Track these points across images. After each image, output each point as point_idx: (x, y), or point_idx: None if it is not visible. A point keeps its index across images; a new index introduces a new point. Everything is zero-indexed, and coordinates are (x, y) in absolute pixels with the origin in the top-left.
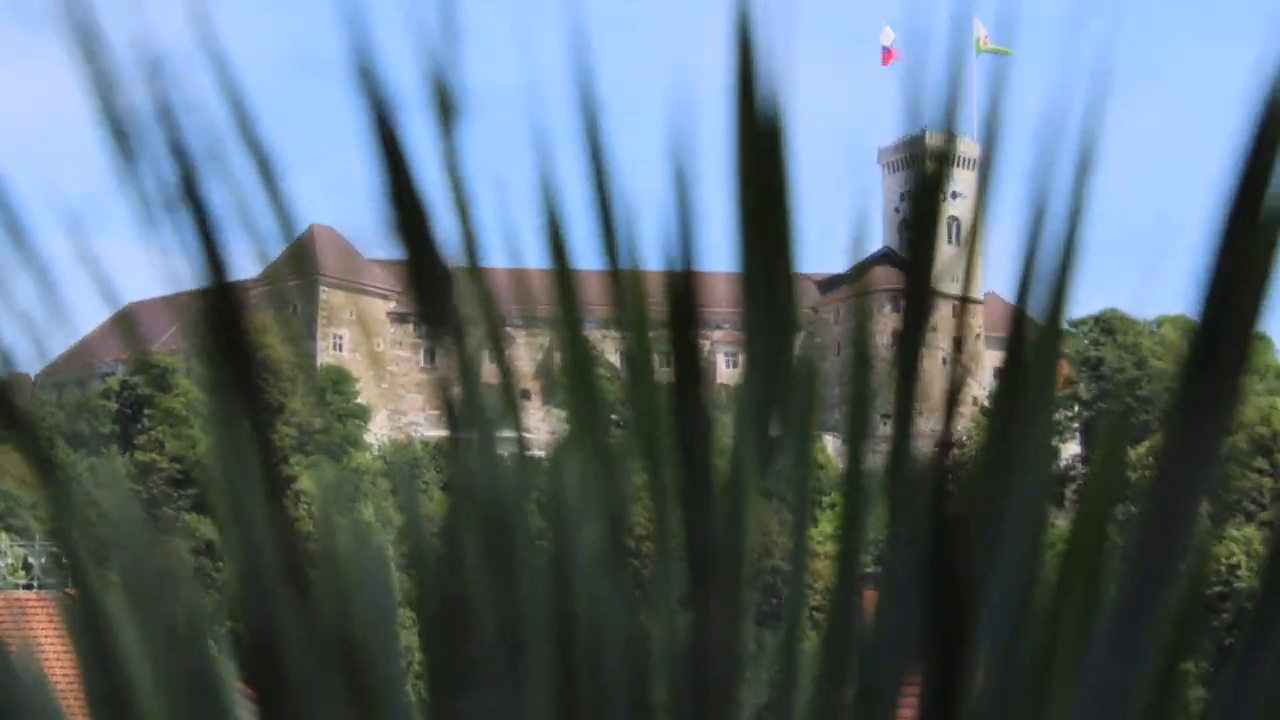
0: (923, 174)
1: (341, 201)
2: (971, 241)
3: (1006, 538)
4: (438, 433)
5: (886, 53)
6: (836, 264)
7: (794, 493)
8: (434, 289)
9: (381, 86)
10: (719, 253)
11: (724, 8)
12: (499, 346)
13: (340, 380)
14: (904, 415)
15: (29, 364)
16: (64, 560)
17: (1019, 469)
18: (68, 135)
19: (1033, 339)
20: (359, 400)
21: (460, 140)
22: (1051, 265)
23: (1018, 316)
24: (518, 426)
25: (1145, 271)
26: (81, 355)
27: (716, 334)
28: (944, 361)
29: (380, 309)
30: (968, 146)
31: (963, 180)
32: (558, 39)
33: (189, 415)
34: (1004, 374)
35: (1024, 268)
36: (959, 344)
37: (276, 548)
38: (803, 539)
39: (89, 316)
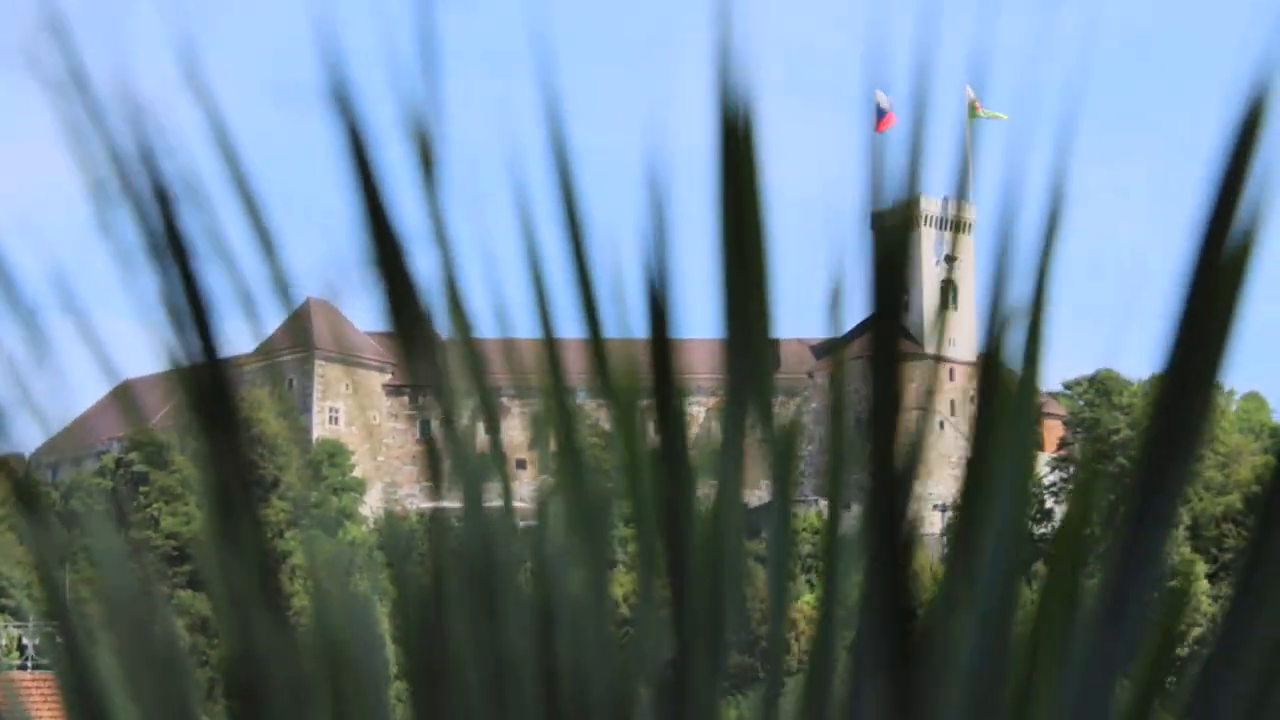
0: (886, 236)
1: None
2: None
3: (979, 588)
4: (430, 503)
5: (882, 118)
6: (835, 328)
7: (775, 555)
8: (411, 322)
9: (359, 121)
10: (700, 318)
11: (703, 70)
12: (491, 414)
13: (336, 453)
14: (879, 477)
15: (25, 442)
16: (59, 638)
17: (991, 519)
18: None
19: (1009, 391)
20: (355, 473)
21: (441, 188)
22: (1023, 316)
23: (987, 367)
24: (508, 491)
25: (1137, 330)
26: (77, 433)
27: (704, 400)
28: (941, 425)
29: (376, 381)
30: (965, 211)
31: (961, 245)
32: (533, 107)
33: (184, 492)
34: (976, 428)
35: (991, 320)
36: (928, 401)
37: (270, 624)
38: (782, 600)
39: (84, 394)
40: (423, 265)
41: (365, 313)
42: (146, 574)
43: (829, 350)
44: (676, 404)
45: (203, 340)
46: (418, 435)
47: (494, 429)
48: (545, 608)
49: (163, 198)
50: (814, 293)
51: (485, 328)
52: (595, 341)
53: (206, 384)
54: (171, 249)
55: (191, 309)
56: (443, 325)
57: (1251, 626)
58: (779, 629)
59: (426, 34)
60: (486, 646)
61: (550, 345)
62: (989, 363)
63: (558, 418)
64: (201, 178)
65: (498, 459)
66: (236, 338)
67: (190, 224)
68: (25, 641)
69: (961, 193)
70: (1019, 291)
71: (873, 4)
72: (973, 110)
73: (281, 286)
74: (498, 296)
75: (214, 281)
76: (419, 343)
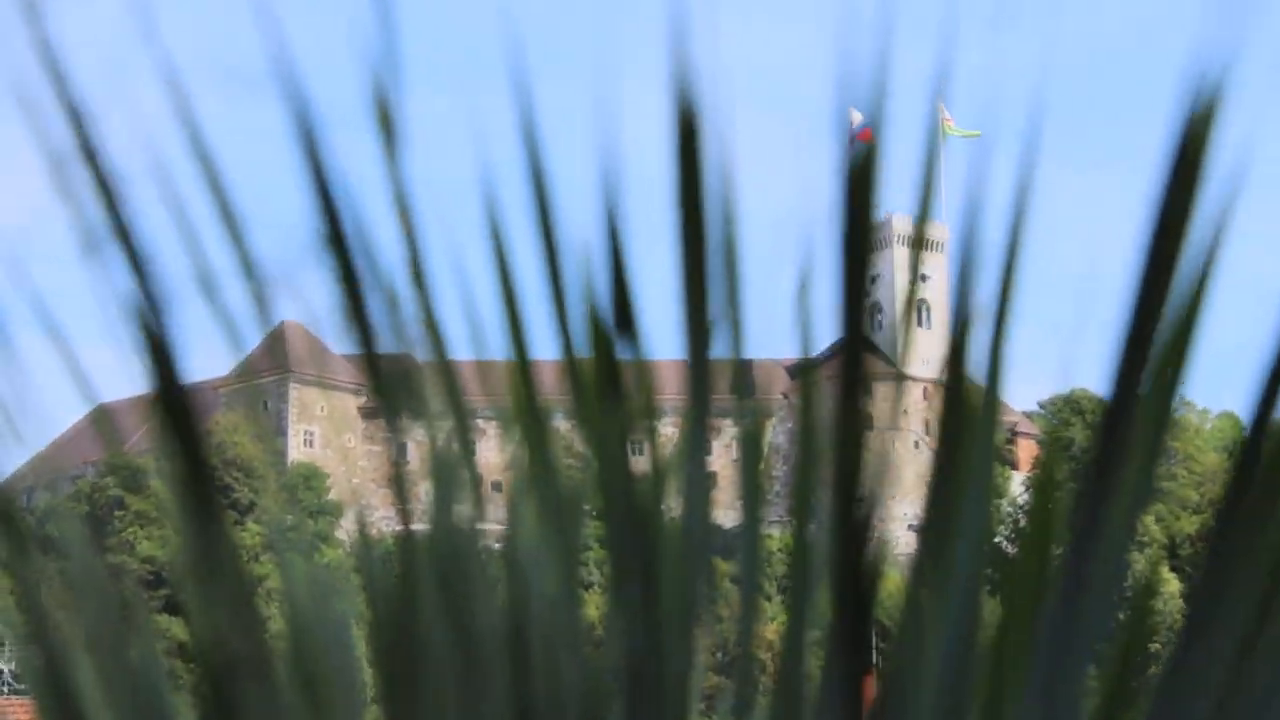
0: (853, 245)
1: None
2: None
3: (944, 606)
4: (401, 525)
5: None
6: (808, 349)
7: (746, 572)
8: (359, 309)
9: (308, 108)
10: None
11: (665, 95)
12: (464, 434)
13: (311, 476)
14: (842, 494)
15: (1, 467)
16: (38, 663)
17: (956, 535)
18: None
19: (972, 406)
20: (331, 497)
21: (403, 161)
22: (987, 331)
23: (952, 378)
24: (480, 511)
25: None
26: (52, 458)
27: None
28: (916, 445)
29: (351, 404)
30: (937, 230)
31: (930, 263)
32: (508, 131)
33: (160, 516)
34: (940, 445)
35: (957, 330)
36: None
37: (246, 648)
38: (751, 621)
39: (59, 419)
40: (382, 255)
41: (339, 336)
42: (125, 598)
43: (800, 370)
44: (645, 418)
45: (166, 365)
46: (392, 458)
47: (468, 449)
48: (517, 624)
49: (109, 191)
50: (785, 312)
51: (453, 331)
52: (568, 359)
53: (175, 407)
54: (124, 243)
55: (155, 337)
56: (399, 322)
57: (1212, 630)
58: (749, 647)
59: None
60: (460, 664)
61: (519, 352)
62: (952, 375)
63: (528, 425)
64: (164, 167)
65: (472, 479)
66: (208, 351)
67: (144, 216)
68: (2, 666)
69: (931, 211)
70: (982, 304)
71: (839, 21)
72: (945, 128)
73: (255, 286)
74: (467, 301)
75: (177, 279)
76: (371, 334)
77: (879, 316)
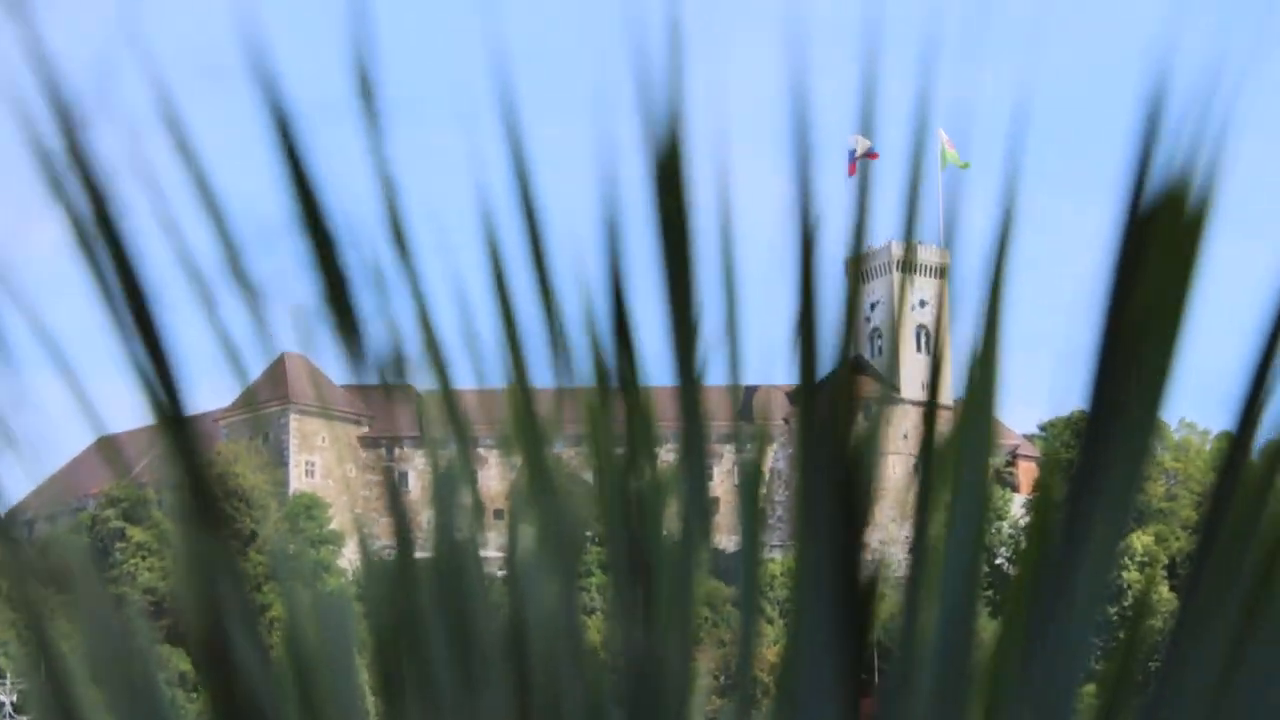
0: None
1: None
2: (938, 348)
3: (938, 622)
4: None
5: (853, 163)
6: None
7: (745, 595)
8: (344, 301)
9: (283, 101)
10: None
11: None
12: (466, 460)
13: (313, 506)
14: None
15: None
16: (42, 694)
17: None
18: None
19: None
20: (332, 526)
21: (384, 135)
22: (977, 348)
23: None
24: (480, 532)
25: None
26: (53, 489)
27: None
28: (916, 468)
29: (352, 434)
30: (933, 254)
31: (928, 288)
32: (499, 153)
33: (161, 547)
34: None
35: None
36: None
37: (250, 674)
38: (750, 643)
39: (61, 450)
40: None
41: (338, 367)
42: (131, 628)
43: (797, 395)
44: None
45: (170, 395)
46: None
47: (470, 474)
48: (519, 644)
49: (93, 186)
50: (783, 338)
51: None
52: (566, 385)
53: (178, 439)
54: (108, 240)
55: (158, 365)
56: (384, 322)
57: (1202, 631)
58: (749, 668)
59: None
60: (461, 683)
61: (519, 374)
62: (932, 394)
63: (528, 447)
64: (146, 159)
65: (474, 501)
66: (209, 382)
67: (131, 211)
68: (3, 699)
69: (918, 236)
70: (974, 324)
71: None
72: (946, 156)
73: (246, 288)
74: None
75: (165, 275)
76: (356, 338)
77: (878, 341)
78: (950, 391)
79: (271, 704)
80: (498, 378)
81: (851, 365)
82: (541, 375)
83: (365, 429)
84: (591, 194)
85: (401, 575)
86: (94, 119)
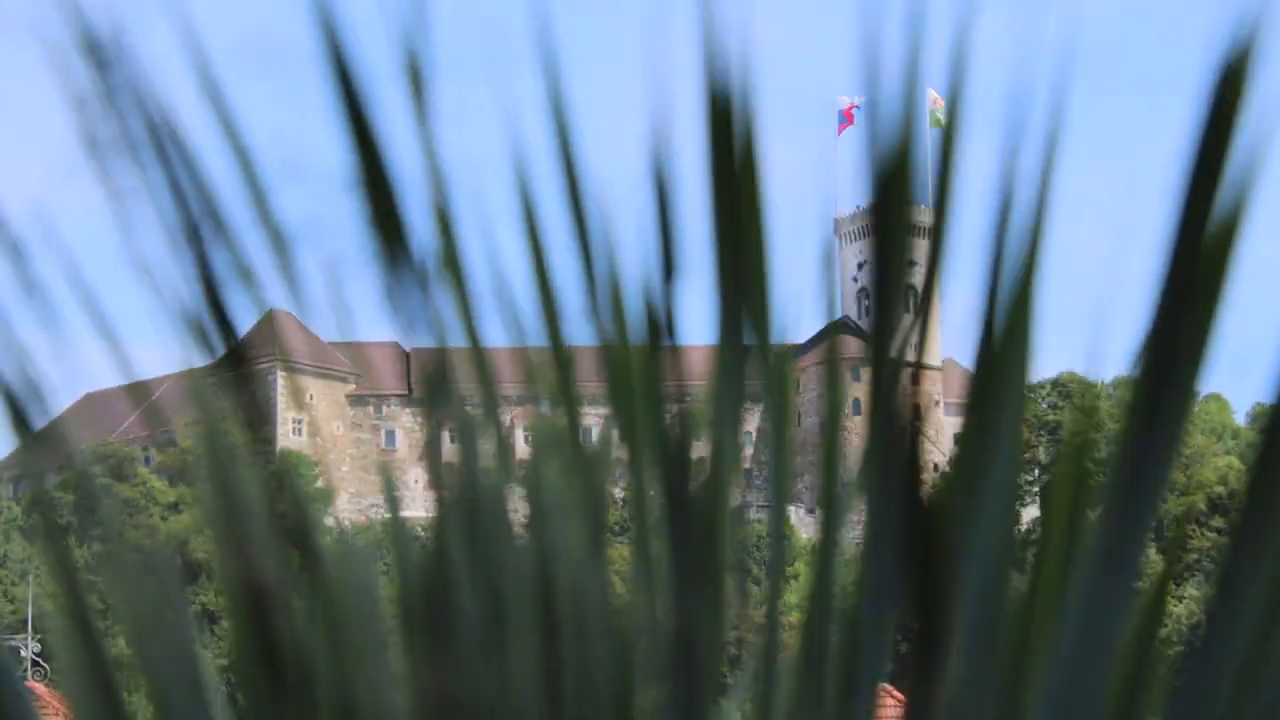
0: (887, 242)
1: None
2: (926, 308)
3: (980, 538)
4: (393, 513)
5: (844, 120)
6: (799, 334)
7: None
8: (403, 271)
9: (355, 76)
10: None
11: (696, 82)
12: (493, 410)
13: (300, 464)
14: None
15: None
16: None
17: (986, 505)
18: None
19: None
20: (320, 484)
21: (433, 115)
22: (1009, 316)
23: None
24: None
25: (1099, 332)
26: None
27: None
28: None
29: (340, 392)
30: (920, 214)
31: (916, 248)
32: (540, 120)
33: (147, 504)
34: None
35: (985, 321)
36: (918, 410)
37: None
38: (777, 593)
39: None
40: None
41: (327, 323)
42: (162, 579)
43: (798, 355)
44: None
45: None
46: (381, 444)
47: (496, 421)
48: (545, 585)
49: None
50: (788, 300)
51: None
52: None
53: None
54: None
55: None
56: (439, 289)
57: (1235, 620)
58: (775, 617)
59: None
60: (488, 622)
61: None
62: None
63: (554, 378)
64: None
65: (500, 447)
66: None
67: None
68: (22, 653)
69: (922, 198)
70: (1007, 288)
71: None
72: (934, 116)
73: (278, 244)
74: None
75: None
76: (410, 290)
77: (865, 303)
78: (938, 353)
79: (308, 653)
80: (529, 333)
81: (846, 327)
82: (577, 333)
83: (354, 387)
84: (639, 146)
85: (434, 529)
86: (123, 58)
